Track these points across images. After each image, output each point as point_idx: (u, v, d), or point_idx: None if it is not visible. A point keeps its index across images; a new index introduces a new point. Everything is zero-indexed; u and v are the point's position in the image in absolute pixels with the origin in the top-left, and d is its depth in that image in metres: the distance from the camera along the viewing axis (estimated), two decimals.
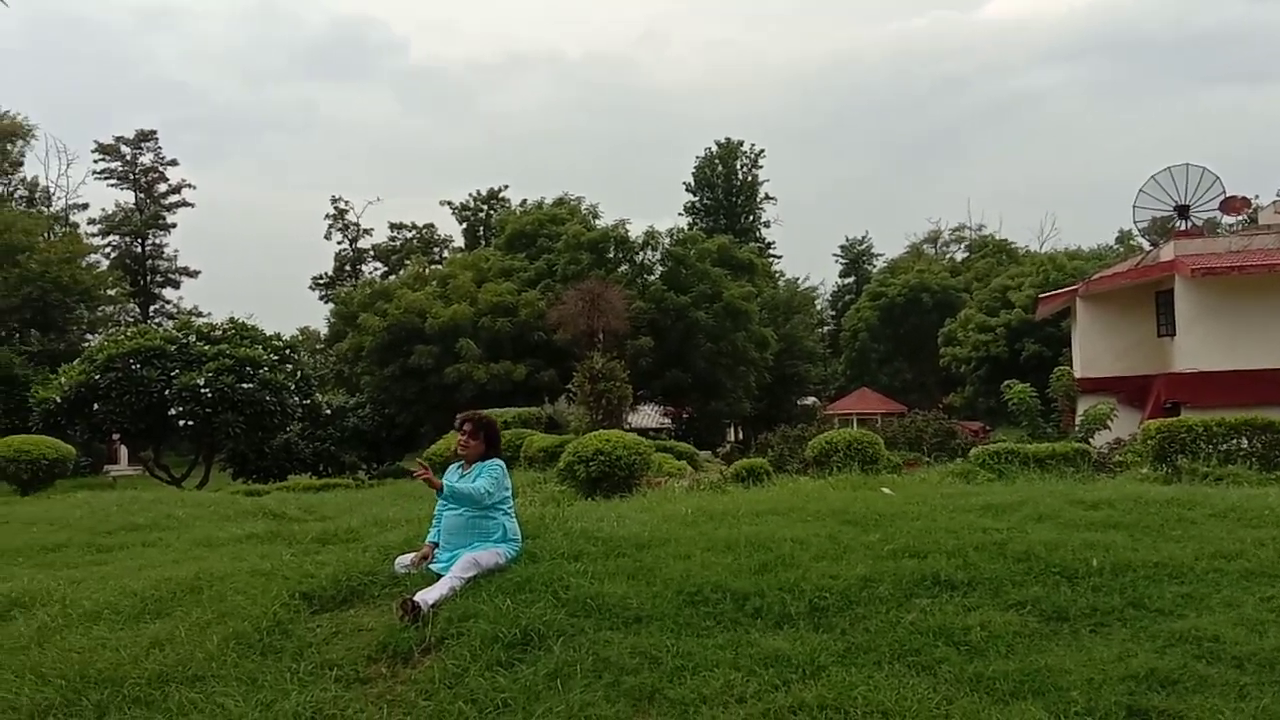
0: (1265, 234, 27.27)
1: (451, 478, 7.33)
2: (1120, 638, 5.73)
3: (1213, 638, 5.58)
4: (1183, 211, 29.58)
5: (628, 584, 6.58)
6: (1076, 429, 20.58)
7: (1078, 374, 27.69)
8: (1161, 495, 9.08)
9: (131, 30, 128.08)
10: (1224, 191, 29.40)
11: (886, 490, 10.89)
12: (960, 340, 63.24)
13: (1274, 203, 33.11)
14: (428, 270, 59.92)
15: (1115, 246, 72.69)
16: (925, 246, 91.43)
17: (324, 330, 70.91)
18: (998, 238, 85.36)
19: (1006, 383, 22.59)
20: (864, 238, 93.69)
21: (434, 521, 7.46)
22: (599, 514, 9.12)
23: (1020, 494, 9.37)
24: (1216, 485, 11.43)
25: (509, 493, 7.39)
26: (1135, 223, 31.87)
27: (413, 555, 7.21)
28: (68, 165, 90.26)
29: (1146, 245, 34.07)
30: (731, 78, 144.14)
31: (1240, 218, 30.74)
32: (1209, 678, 5.17)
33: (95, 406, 28.35)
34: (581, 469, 14.06)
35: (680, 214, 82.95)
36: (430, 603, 6.24)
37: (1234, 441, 14.60)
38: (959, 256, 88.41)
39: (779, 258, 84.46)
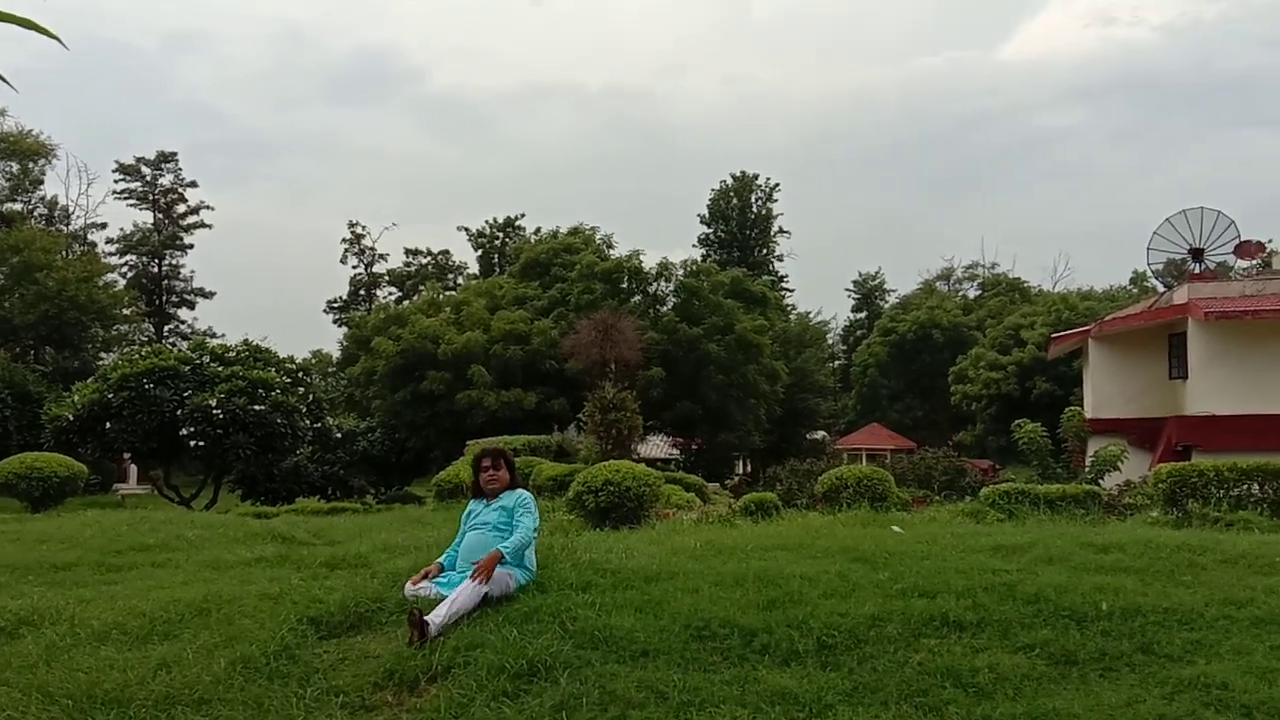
0: (1279, 279, 27.21)
1: (477, 509, 7.52)
2: (1129, 683, 5.70)
3: (1221, 685, 5.54)
4: (1197, 255, 29.51)
5: (635, 617, 6.57)
6: (1087, 470, 20.50)
7: (1089, 414, 27.59)
8: (1172, 540, 9.04)
9: (158, 53, 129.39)
10: (1239, 235, 29.32)
11: (896, 528, 10.86)
12: (971, 378, 63.16)
13: None
14: (442, 296, 60.17)
15: (1129, 288, 72.68)
16: (938, 283, 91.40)
17: (337, 354, 71.26)
18: (1011, 276, 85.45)
19: (1017, 422, 22.53)
20: (877, 273, 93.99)
21: (453, 546, 7.56)
22: (608, 545, 9.12)
23: (1030, 535, 9.35)
24: (1227, 531, 11.35)
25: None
26: (1149, 265, 31.76)
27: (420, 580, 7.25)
28: (88, 185, 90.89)
29: (1160, 287, 33.99)
30: (750, 113, 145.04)
31: (1254, 262, 30.55)
32: None
33: (108, 425, 28.42)
34: (591, 499, 14.02)
35: (694, 246, 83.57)
36: (439, 623, 6.27)
37: (1245, 487, 14.46)
38: (971, 294, 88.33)
39: (791, 291, 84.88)
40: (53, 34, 1.96)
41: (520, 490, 7.57)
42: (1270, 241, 37.77)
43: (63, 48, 2.00)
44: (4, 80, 1.99)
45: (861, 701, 5.46)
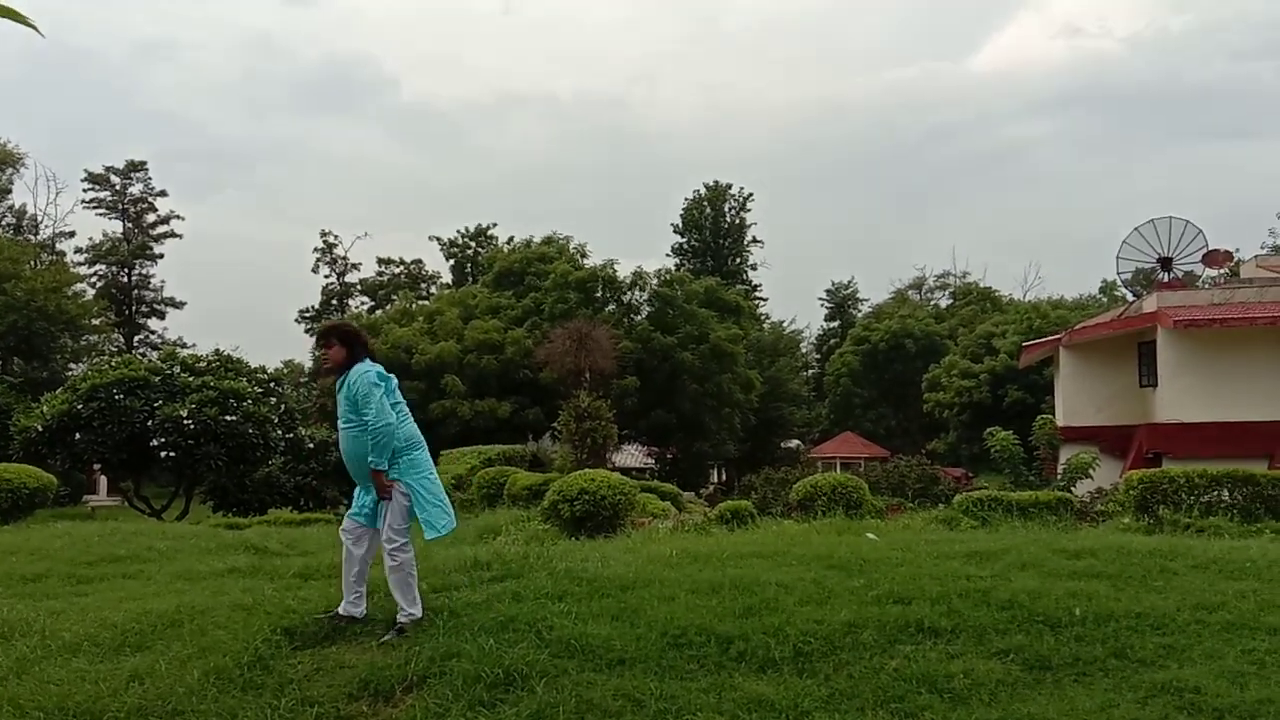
0: (1247, 287, 27.52)
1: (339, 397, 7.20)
2: (1103, 688, 5.74)
3: (1194, 689, 5.59)
4: (1165, 264, 29.84)
5: (611, 625, 6.57)
6: (1059, 477, 20.64)
7: (1060, 422, 27.79)
8: (1144, 546, 9.10)
9: (128, 61, 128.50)
10: (1206, 245, 29.66)
11: (871, 535, 10.89)
12: (944, 386, 63.46)
13: (1256, 257, 33.52)
14: (415, 306, 59.96)
15: (1099, 297, 73.21)
16: (910, 292, 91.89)
17: (309, 364, 70.76)
18: (982, 285, 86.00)
19: (989, 430, 22.65)
20: (849, 282, 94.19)
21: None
22: (583, 554, 9.10)
23: (1004, 542, 9.39)
24: (1198, 537, 11.45)
25: (379, 389, 6.92)
26: (1118, 274, 32.09)
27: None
28: (57, 194, 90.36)
29: (1130, 296, 34.30)
30: (723, 122, 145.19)
31: (1222, 271, 30.97)
32: None
33: (77, 436, 28.11)
34: (566, 508, 13.97)
35: (668, 255, 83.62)
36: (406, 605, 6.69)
37: (1215, 493, 14.61)
38: (943, 303, 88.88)
39: (765, 300, 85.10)
40: (30, 23, 1.95)
41: (355, 369, 6.93)
42: (1237, 251, 38.31)
43: (40, 35, 1.98)
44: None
45: (838, 708, 5.48)
